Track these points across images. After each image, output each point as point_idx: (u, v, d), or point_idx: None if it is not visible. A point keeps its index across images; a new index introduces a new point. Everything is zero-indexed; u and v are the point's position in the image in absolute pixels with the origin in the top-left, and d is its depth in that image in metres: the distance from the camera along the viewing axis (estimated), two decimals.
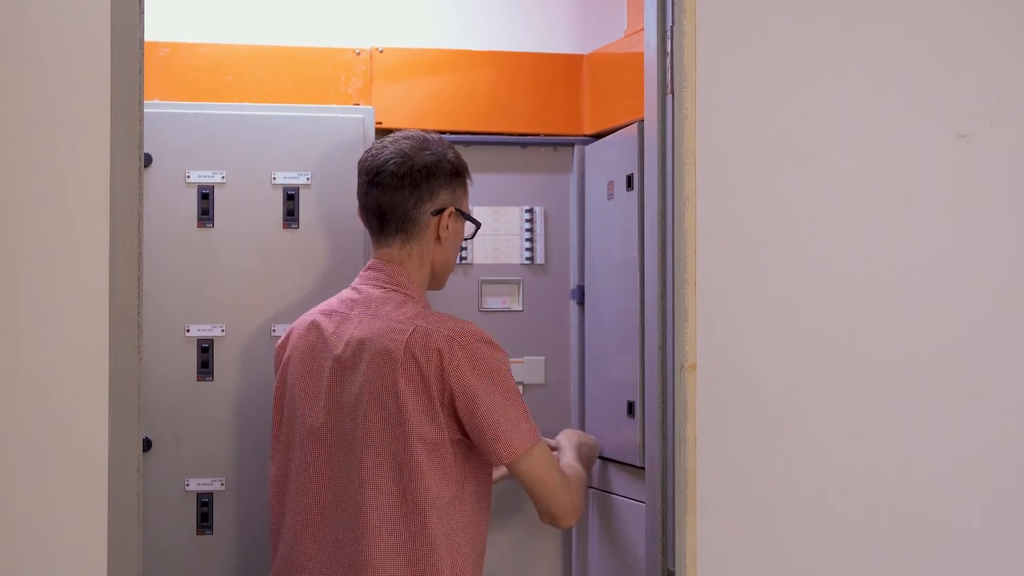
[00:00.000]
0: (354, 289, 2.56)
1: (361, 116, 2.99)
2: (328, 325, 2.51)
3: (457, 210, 2.58)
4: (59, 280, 1.99)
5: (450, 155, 2.59)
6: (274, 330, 2.89)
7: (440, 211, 2.55)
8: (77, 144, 2.00)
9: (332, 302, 2.58)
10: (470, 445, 2.44)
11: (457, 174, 2.59)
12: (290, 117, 2.96)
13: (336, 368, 2.47)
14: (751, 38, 2.32)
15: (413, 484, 2.39)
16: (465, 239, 2.66)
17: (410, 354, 2.39)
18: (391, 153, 2.55)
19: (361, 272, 2.59)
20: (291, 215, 2.93)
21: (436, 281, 2.61)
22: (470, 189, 2.66)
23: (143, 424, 2.08)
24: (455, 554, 2.41)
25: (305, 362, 2.53)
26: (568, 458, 2.65)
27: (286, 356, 2.59)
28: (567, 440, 2.84)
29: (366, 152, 2.61)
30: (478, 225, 2.68)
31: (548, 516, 2.49)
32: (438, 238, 2.56)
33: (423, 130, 2.66)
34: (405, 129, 2.71)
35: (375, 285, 2.53)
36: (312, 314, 2.58)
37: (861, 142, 2.37)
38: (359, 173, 2.60)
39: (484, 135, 3.18)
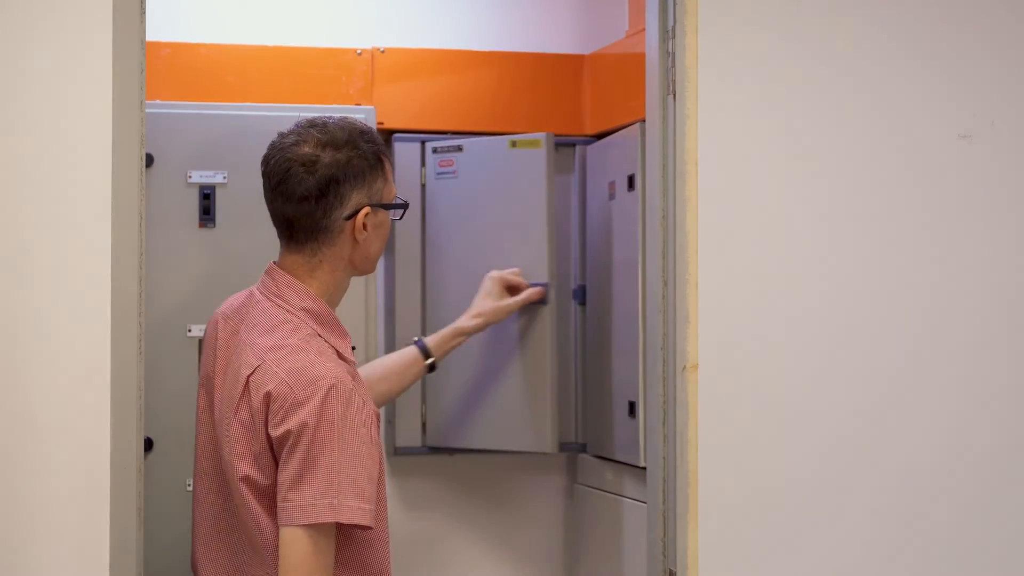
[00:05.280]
0: (252, 293, 2.34)
1: (363, 116, 2.97)
2: (224, 330, 2.33)
3: (374, 205, 2.29)
4: (61, 280, 1.99)
5: (362, 146, 2.27)
6: None
7: (354, 214, 2.26)
8: (79, 144, 2.00)
9: (234, 303, 2.36)
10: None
11: (371, 166, 2.28)
12: (291, 117, 2.94)
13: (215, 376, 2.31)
14: (752, 38, 2.32)
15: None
16: (394, 220, 2.40)
17: (246, 389, 2.19)
18: (292, 157, 2.25)
19: (262, 274, 2.36)
20: None
21: (360, 272, 2.36)
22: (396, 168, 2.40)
23: (144, 424, 2.08)
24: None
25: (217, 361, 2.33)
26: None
27: (216, 352, 2.35)
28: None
29: (269, 148, 2.30)
30: (405, 206, 2.38)
31: None
32: (355, 240, 2.28)
33: (339, 118, 2.34)
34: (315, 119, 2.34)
35: (264, 294, 2.30)
36: (219, 311, 2.37)
37: (862, 142, 2.37)
38: (262, 173, 2.30)
39: (485, 135, 3.18)
